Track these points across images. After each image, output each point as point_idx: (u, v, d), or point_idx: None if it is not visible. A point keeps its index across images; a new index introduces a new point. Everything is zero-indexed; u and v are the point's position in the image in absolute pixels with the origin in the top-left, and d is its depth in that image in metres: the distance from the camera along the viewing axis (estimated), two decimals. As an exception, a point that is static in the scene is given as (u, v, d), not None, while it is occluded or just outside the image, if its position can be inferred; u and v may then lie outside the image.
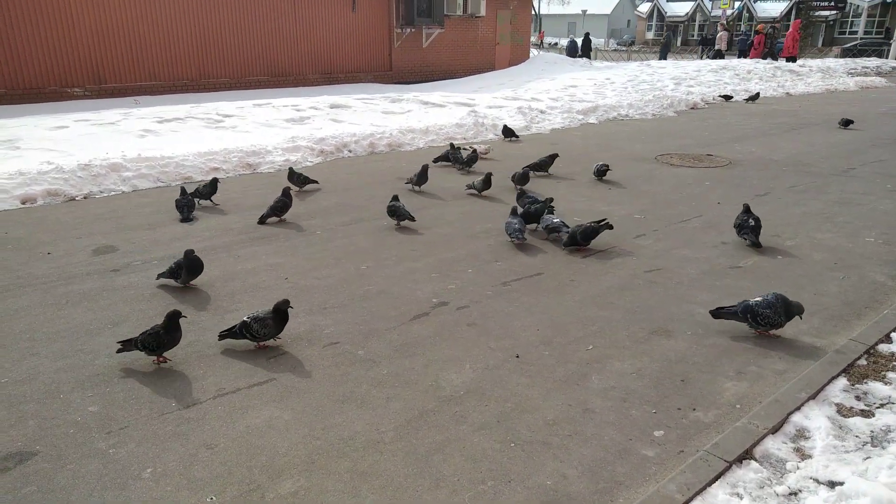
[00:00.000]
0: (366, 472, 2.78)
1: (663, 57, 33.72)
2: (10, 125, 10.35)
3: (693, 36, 61.26)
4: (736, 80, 21.81)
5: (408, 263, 5.34)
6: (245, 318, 3.83)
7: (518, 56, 25.88)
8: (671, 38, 42.61)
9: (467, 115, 12.46)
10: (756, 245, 5.70)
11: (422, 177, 7.71)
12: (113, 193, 7.69)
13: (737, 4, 54.06)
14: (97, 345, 3.93)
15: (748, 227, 5.75)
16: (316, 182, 7.98)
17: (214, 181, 7.19)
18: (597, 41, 42.45)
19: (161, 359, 3.70)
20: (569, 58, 28.80)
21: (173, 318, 3.64)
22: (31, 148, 9.16)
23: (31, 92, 14.31)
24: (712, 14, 58.32)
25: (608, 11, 73.23)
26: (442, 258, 5.46)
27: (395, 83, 20.72)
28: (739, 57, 29.78)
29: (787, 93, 20.06)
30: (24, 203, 7.18)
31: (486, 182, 7.44)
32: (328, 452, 2.91)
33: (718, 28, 34.30)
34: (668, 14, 65.30)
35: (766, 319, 3.90)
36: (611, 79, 20.40)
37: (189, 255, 4.74)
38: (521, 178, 7.73)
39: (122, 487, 2.69)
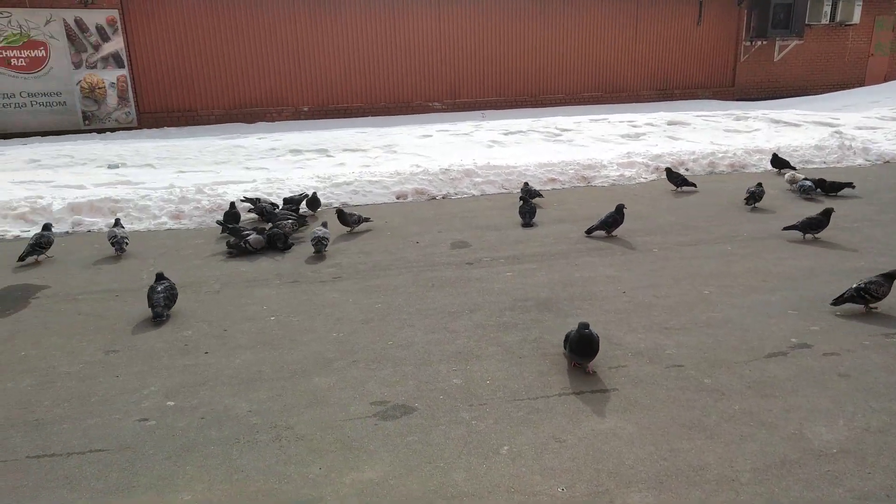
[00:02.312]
0: (718, 508, 2.61)
1: None
2: (391, 133, 12.39)
3: None
4: None
5: (759, 295, 4.89)
6: (859, 284, 4.40)
7: (898, 69, 21.85)
8: None
9: (829, 137, 10.92)
10: None
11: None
12: (465, 196, 8.64)
13: None
14: (458, 326, 4.45)
15: None
16: (694, 185, 8.47)
17: (315, 195, 7.66)
18: None
19: (581, 367, 3.77)
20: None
21: None
22: (404, 153, 10.83)
23: (403, 105, 16.94)
24: None
25: None
26: (801, 294, 4.87)
27: (738, 100, 19.24)
28: None
29: None
30: (398, 198, 8.51)
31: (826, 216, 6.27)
32: (677, 477, 2.81)
33: None
34: None
35: None
36: None
37: (582, 329, 3.71)
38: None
39: (484, 458, 2.98)
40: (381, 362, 3.95)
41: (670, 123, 12.75)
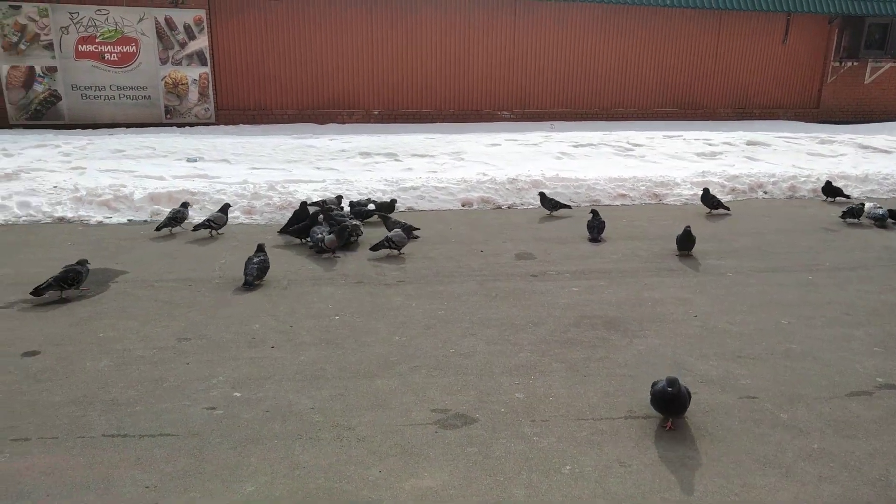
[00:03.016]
0: (795, 553, 2.46)
1: None
2: (458, 140, 12.43)
3: None
4: None
5: (842, 329, 4.62)
6: None
7: None
8: None
9: (923, 166, 10.29)
10: None
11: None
12: (531, 206, 8.55)
13: None
14: (521, 339, 4.38)
15: None
16: (727, 209, 8.14)
17: (339, 198, 7.62)
18: None
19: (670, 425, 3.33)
20: None
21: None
22: (471, 160, 10.83)
23: (472, 112, 16.97)
24: None
25: None
26: (889, 331, 4.57)
27: (821, 122, 18.37)
28: None
29: None
30: (463, 206, 8.50)
31: None
32: (750, 514, 2.67)
33: None
34: None
35: None
36: None
37: (671, 386, 3.28)
38: None
39: (545, 475, 2.92)
40: (443, 370, 3.93)
41: (749, 143, 12.29)
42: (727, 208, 8.18)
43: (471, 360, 4.07)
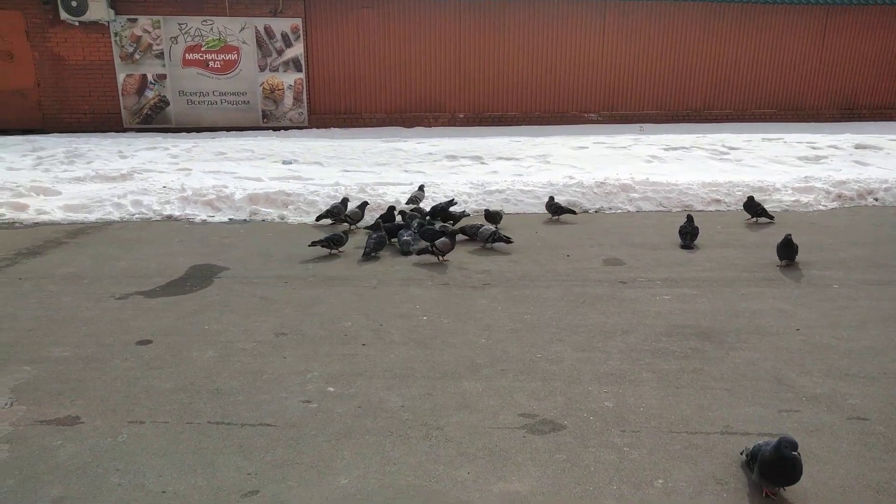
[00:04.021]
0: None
1: None
2: (545, 143, 12.34)
3: None
4: None
5: (967, 349, 4.25)
6: None
7: None
8: None
9: None
10: None
11: None
12: (619, 211, 8.36)
13: None
14: (610, 347, 4.31)
15: None
16: (771, 218, 7.68)
17: (365, 204, 7.58)
18: None
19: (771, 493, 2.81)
20: None
21: None
22: (557, 163, 10.72)
23: (558, 115, 16.78)
24: None
25: None
26: None
27: (941, 123, 16.92)
28: None
29: None
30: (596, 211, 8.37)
31: None
32: (861, 544, 2.51)
33: None
34: None
35: None
36: None
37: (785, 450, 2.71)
38: None
39: (636, 488, 2.86)
40: (530, 374, 3.92)
41: (858, 147, 11.49)
42: (771, 217, 7.67)
43: (558, 365, 4.03)
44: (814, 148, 11.41)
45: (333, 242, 6.29)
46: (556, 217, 7.90)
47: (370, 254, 6.24)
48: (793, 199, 8.55)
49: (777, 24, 16.65)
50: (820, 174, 9.51)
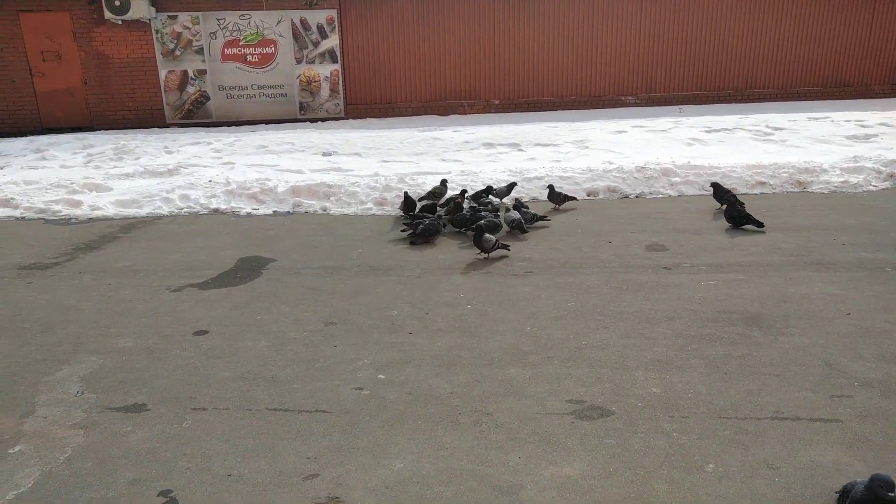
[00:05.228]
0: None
1: None
2: (583, 128, 12.23)
3: None
4: None
5: None
6: None
7: None
8: None
9: None
10: None
11: None
12: (660, 196, 8.27)
13: None
14: (655, 333, 4.31)
15: None
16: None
17: (513, 184, 7.81)
18: None
19: None
20: None
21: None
22: (596, 148, 10.63)
23: (594, 99, 16.58)
24: None
25: None
26: None
27: None
28: None
29: None
30: (588, 195, 8.38)
31: None
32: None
33: None
34: None
35: None
36: None
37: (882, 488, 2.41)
38: None
39: (688, 472, 2.89)
40: (576, 361, 3.96)
41: (910, 123, 11.10)
42: (760, 224, 6.56)
43: (604, 352, 4.06)
44: (863, 126, 11.05)
45: (429, 233, 6.49)
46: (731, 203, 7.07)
47: (416, 235, 6.43)
48: (841, 179, 8.32)
49: (823, -2, 16.10)
50: (870, 153, 9.22)
